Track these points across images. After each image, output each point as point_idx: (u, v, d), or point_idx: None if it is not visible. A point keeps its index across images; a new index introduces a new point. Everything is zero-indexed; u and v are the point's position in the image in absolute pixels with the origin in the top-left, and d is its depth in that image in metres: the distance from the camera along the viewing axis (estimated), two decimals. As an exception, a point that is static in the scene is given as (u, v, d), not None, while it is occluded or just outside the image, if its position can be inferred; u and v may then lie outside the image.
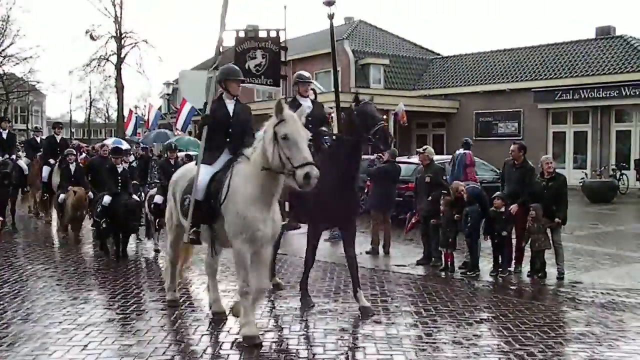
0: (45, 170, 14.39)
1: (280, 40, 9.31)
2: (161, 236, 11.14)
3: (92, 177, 12.91)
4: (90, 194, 12.23)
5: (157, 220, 10.96)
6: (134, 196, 11.29)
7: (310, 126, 6.92)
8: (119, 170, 11.25)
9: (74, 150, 14.22)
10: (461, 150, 14.72)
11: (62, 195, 12.54)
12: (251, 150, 6.05)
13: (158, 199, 10.74)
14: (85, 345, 5.89)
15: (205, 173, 6.34)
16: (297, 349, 5.93)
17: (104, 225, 10.77)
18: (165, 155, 11.98)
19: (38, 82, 53.07)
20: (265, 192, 5.85)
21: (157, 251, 11.01)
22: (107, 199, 10.72)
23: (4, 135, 14.81)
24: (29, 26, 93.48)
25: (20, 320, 6.70)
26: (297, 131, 5.58)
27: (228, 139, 6.53)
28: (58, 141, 15.05)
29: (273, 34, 9.30)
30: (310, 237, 7.44)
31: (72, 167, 13.10)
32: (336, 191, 6.92)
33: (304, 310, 7.24)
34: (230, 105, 6.71)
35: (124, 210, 10.42)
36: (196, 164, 6.66)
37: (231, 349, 5.87)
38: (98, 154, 14.67)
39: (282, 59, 9.38)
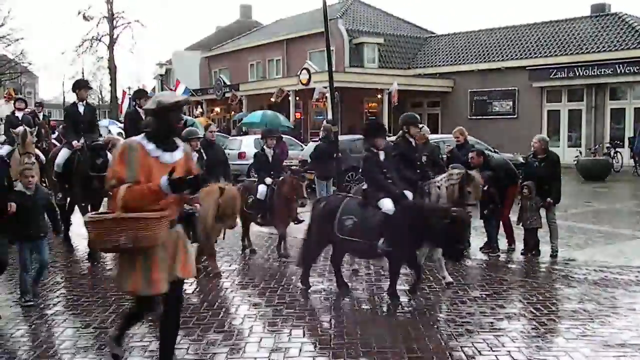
0: None
1: None
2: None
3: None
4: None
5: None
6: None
7: None
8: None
9: (199, 132, 9.69)
10: None
11: None
12: None
13: (262, 190, 8.47)
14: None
15: None
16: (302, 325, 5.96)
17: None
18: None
19: (30, 64, 52.73)
20: None
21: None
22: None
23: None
24: (20, 7, 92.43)
25: None
26: None
27: None
28: (144, 118, 11.34)
29: None
30: None
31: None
32: None
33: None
34: None
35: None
36: None
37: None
38: (205, 138, 10.76)
39: None
